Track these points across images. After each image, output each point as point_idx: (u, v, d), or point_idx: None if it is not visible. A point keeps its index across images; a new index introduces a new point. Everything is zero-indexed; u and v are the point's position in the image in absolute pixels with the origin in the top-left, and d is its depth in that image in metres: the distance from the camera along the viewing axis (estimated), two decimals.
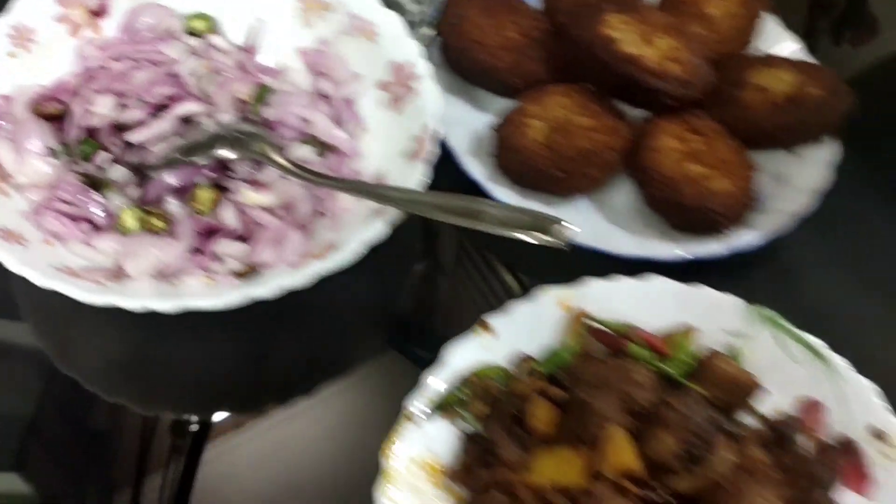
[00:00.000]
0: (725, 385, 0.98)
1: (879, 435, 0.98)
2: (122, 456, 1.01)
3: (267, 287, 0.90)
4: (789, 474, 0.94)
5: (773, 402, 1.01)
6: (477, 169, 1.14)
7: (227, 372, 1.07)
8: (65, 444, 1.02)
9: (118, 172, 1.03)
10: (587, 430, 0.92)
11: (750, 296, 1.04)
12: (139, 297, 0.88)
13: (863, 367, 1.00)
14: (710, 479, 0.90)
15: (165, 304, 0.88)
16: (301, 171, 1.00)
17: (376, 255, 1.15)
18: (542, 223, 0.92)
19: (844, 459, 0.98)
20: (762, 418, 1.00)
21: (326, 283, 1.09)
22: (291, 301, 1.10)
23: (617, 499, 0.87)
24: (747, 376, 0.99)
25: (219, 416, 1.04)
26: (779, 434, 0.97)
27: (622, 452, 0.89)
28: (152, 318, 1.03)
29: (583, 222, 1.13)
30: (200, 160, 1.01)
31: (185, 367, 1.07)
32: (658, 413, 0.93)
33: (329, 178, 1.00)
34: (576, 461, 0.90)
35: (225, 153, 1.02)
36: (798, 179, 1.17)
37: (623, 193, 1.18)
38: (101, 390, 1.05)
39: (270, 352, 1.09)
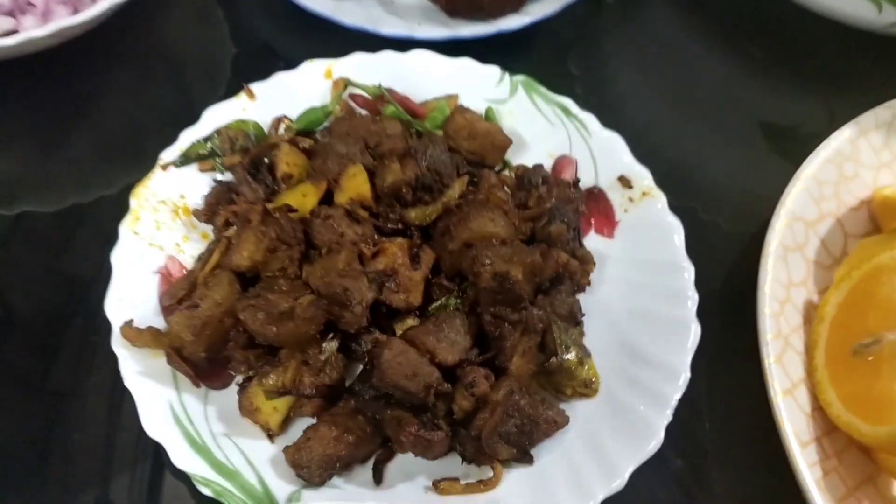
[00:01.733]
0: (475, 138, 1.02)
1: (625, 182, 1.02)
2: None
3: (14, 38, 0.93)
4: (529, 211, 0.98)
5: (530, 158, 1.06)
6: None
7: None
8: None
9: None
10: (329, 169, 0.96)
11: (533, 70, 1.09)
12: None
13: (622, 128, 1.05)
14: (442, 208, 0.94)
15: None
16: None
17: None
18: None
19: (595, 209, 1.02)
20: (511, 168, 1.04)
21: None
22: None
23: (348, 224, 0.91)
24: (494, 130, 1.02)
25: None
26: (523, 180, 1.01)
27: (357, 184, 0.93)
28: None
29: (364, 12, 1.17)
30: None
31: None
32: (398, 152, 0.97)
33: None
34: (313, 193, 0.93)
35: None
36: None
37: None
38: None
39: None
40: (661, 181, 1.01)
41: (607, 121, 1.05)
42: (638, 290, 0.96)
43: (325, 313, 0.83)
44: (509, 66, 1.10)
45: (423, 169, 0.95)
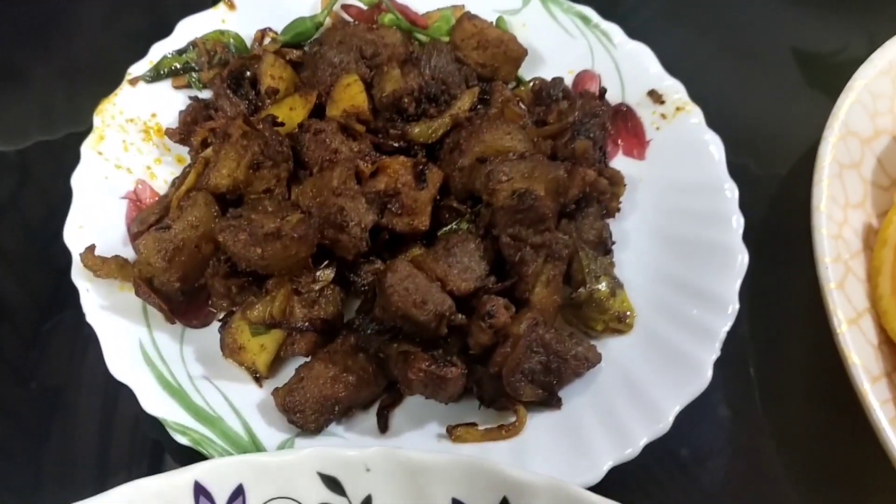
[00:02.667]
0: (486, 48, 0.90)
1: (656, 96, 0.91)
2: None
3: None
4: (549, 127, 0.86)
5: (546, 74, 0.94)
6: None
7: None
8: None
9: None
10: (320, 80, 0.84)
11: None
12: None
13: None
14: (451, 122, 0.82)
15: None
16: None
17: None
18: None
19: (622, 128, 0.91)
20: (525, 84, 0.92)
21: None
22: None
23: (343, 140, 0.79)
24: (507, 38, 0.91)
25: None
26: (542, 94, 0.89)
27: (351, 94, 0.82)
28: None
29: None
30: None
31: None
32: (397, 60, 0.85)
33: None
34: (302, 106, 0.82)
35: None
36: None
37: None
38: None
39: None
40: None
41: None
42: (675, 215, 0.84)
43: (317, 234, 0.71)
44: None
45: (430, 78, 0.83)
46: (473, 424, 0.72)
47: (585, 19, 0.94)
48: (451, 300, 0.70)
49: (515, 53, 0.90)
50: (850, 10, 1.16)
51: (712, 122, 0.90)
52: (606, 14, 0.98)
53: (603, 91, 0.89)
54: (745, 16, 1.15)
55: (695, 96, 0.92)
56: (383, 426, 0.72)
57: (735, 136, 0.95)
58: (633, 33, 0.96)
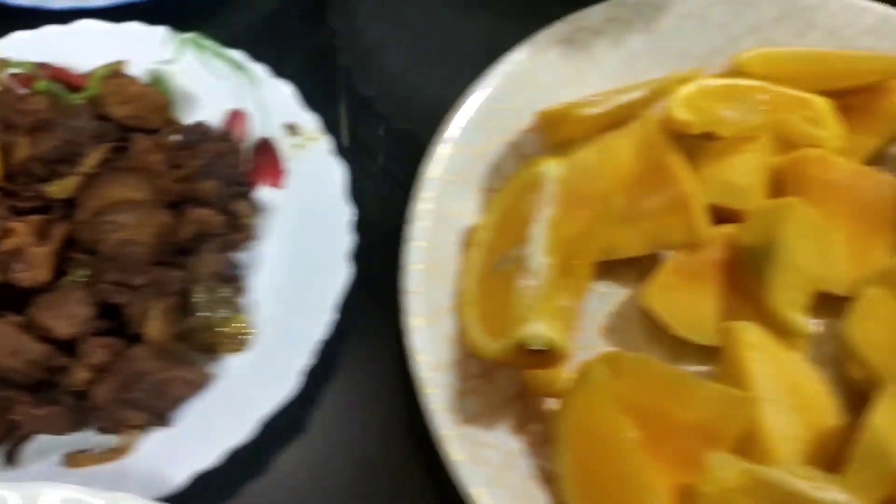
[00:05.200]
0: (129, 102, 1.00)
1: (293, 129, 1.01)
2: None
3: None
4: (182, 171, 0.96)
5: (204, 116, 1.03)
6: None
7: None
8: None
9: None
10: None
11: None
12: None
13: None
14: (80, 179, 0.92)
15: None
16: None
17: None
18: None
19: (263, 160, 1.01)
20: (175, 129, 1.02)
21: None
22: None
23: None
24: (149, 92, 1.00)
25: None
26: (187, 140, 0.99)
27: None
28: None
29: None
30: None
31: None
32: (39, 127, 0.95)
33: None
34: None
35: None
36: None
37: None
38: None
39: None
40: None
41: None
42: (300, 238, 0.95)
43: None
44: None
45: (61, 141, 0.93)
46: (88, 450, 0.83)
47: (235, 63, 1.03)
48: (44, 347, 0.81)
49: (160, 103, 1.00)
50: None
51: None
52: None
53: (227, 132, 0.99)
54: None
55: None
56: (12, 460, 0.83)
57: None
58: None
